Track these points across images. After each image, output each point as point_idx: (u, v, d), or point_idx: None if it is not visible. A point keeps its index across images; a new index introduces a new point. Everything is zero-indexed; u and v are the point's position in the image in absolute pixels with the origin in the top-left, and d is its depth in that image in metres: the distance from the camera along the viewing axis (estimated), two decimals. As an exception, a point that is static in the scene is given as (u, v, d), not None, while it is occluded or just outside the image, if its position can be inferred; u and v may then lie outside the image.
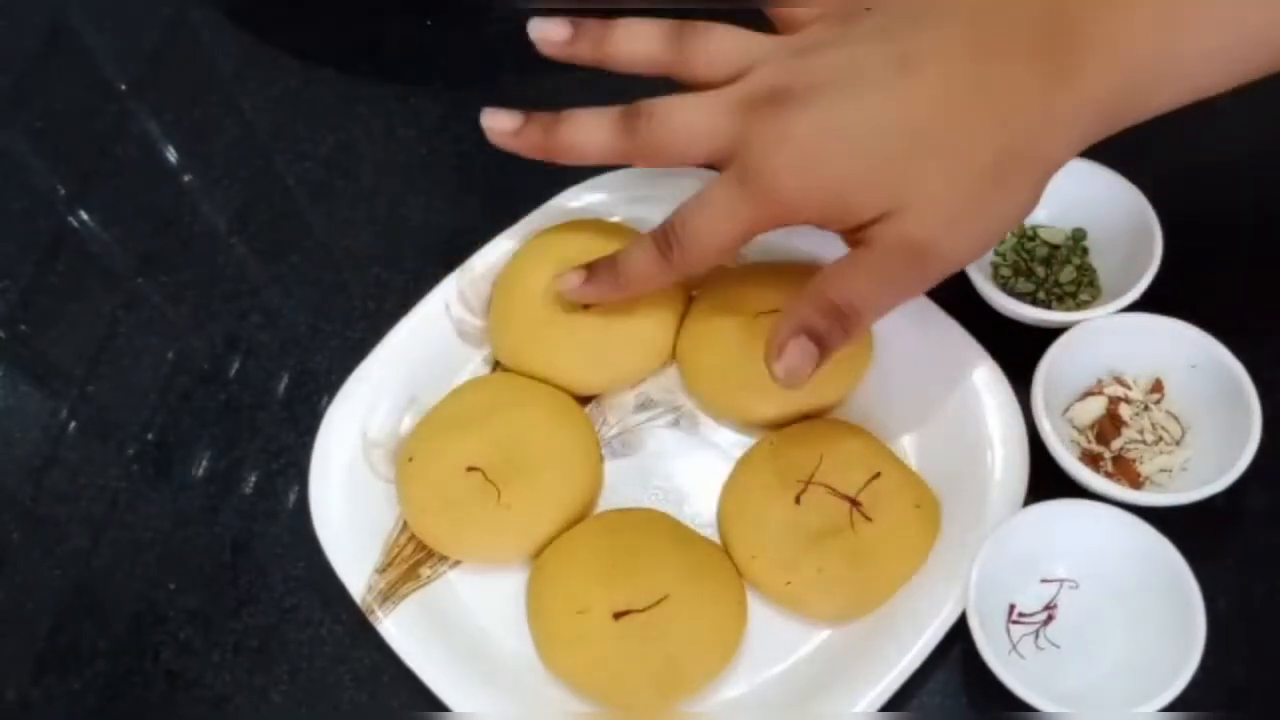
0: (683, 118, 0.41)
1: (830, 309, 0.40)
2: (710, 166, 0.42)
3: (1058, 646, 0.42)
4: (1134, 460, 0.45)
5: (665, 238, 0.42)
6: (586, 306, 0.49)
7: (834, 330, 0.40)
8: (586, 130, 0.44)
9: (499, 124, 0.45)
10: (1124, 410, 0.46)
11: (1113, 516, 0.42)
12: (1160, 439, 0.45)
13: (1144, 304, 0.46)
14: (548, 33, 0.45)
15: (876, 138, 0.38)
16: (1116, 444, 0.46)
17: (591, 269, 0.46)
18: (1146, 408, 0.46)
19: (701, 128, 0.41)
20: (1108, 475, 0.44)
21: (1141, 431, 0.46)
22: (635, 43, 0.43)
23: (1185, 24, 0.36)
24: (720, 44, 0.42)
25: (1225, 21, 0.36)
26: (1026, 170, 0.38)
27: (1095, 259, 0.50)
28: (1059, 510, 0.42)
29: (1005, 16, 0.37)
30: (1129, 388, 0.47)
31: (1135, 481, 0.45)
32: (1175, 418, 0.46)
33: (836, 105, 0.38)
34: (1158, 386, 0.46)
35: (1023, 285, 0.49)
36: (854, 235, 0.40)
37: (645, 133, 0.42)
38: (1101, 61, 0.36)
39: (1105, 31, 0.36)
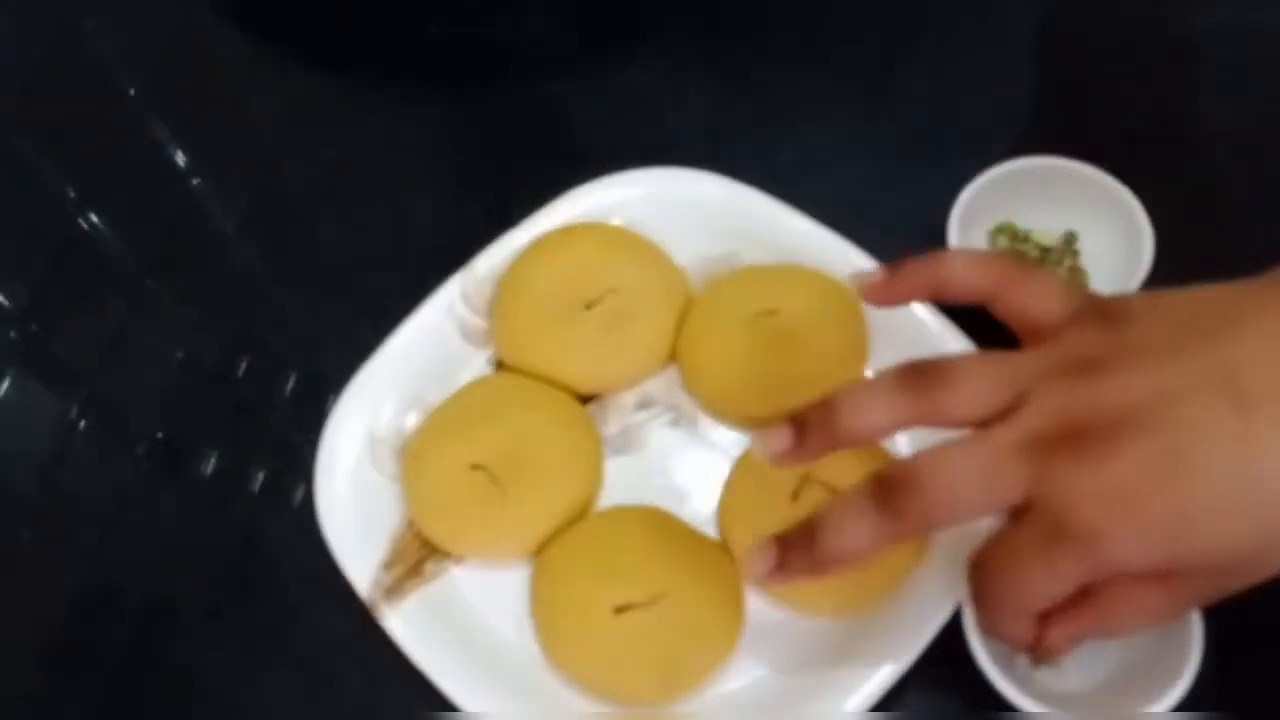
0: (955, 479, 0.34)
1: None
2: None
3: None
4: None
5: (986, 579, 0.36)
6: (588, 307, 0.50)
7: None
8: (853, 525, 0.36)
9: (775, 445, 0.38)
10: None
11: None
12: None
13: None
14: (772, 446, 0.37)
15: (1219, 512, 0.31)
16: None
17: (793, 540, 0.37)
18: None
19: (981, 488, 0.33)
20: None
21: None
22: (872, 414, 0.36)
23: None
24: (975, 382, 0.35)
25: None
26: None
27: (1087, 261, 0.51)
28: None
29: None
30: None
31: None
32: None
33: (1154, 446, 0.31)
34: None
35: None
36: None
37: (914, 508, 0.34)
38: None
39: None
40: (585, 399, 0.50)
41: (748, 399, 0.48)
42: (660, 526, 0.46)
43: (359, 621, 0.46)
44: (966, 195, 0.50)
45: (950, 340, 0.48)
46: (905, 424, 0.36)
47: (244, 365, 0.54)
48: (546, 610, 0.45)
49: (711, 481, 0.48)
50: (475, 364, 0.52)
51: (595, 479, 0.48)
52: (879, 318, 0.49)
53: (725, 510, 0.47)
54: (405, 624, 0.45)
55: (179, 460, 0.52)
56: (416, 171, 0.60)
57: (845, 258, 0.50)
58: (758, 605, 0.45)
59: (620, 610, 0.43)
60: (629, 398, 0.50)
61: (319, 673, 0.46)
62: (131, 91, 0.65)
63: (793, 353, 0.48)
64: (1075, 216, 0.50)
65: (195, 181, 0.61)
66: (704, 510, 0.48)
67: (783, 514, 0.45)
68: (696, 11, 0.64)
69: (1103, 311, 0.35)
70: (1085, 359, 0.34)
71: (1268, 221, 0.53)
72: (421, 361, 0.50)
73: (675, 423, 0.50)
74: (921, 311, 0.48)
